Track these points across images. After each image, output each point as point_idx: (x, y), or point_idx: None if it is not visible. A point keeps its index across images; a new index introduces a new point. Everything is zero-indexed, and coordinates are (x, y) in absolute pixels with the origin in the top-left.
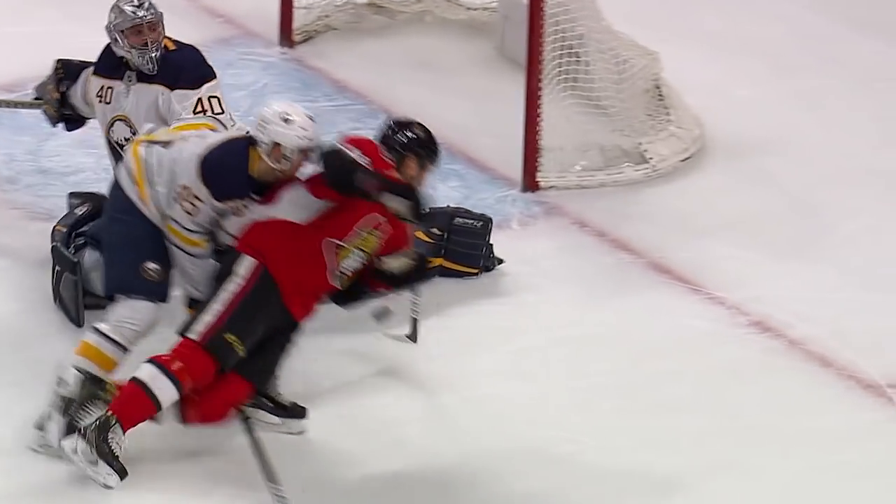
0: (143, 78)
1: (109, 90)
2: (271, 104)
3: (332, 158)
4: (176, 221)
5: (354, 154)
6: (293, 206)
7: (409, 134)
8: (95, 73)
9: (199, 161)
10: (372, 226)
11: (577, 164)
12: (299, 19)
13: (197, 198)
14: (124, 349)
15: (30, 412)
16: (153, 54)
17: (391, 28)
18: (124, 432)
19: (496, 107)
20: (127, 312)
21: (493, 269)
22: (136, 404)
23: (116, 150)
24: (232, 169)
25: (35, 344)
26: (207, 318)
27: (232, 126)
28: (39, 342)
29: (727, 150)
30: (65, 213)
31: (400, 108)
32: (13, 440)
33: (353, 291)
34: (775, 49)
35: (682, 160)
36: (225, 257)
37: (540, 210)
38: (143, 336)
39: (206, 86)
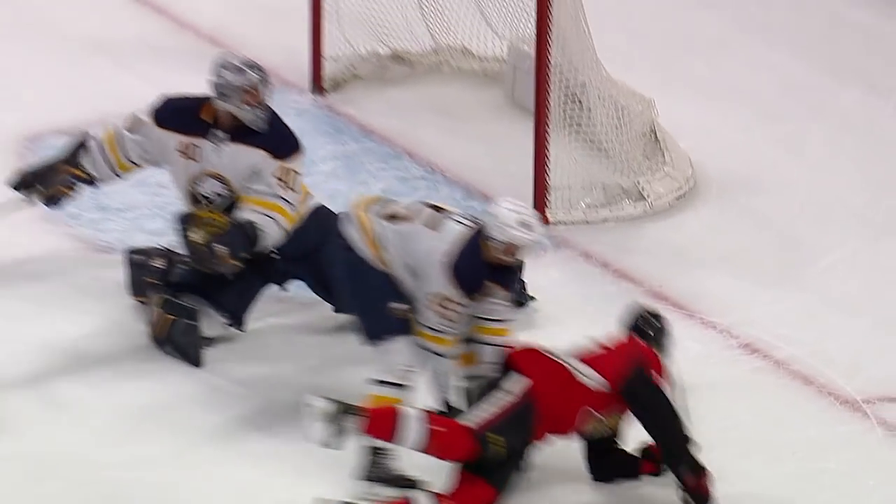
0: (240, 138)
1: (195, 147)
2: (505, 204)
3: (671, 430)
4: (429, 328)
5: (682, 416)
6: (579, 365)
7: (663, 326)
8: (163, 126)
9: (445, 268)
10: (622, 411)
11: (582, 202)
12: (328, 69)
13: (454, 301)
14: (408, 388)
15: (116, 439)
16: (264, 114)
17: (412, 77)
18: (355, 428)
19: (508, 149)
20: (398, 356)
21: (525, 304)
22: (382, 421)
23: (199, 202)
24: (475, 266)
25: (106, 364)
26: (483, 414)
27: (296, 195)
28: (110, 363)
29: (718, 188)
30: (142, 268)
31: (421, 150)
32: (97, 463)
33: (619, 469)
34: (761, 96)
35: (677, 198)
36: (500, 367)
37: (549, 243)
38: (416, 370)
39: (295, 159)
